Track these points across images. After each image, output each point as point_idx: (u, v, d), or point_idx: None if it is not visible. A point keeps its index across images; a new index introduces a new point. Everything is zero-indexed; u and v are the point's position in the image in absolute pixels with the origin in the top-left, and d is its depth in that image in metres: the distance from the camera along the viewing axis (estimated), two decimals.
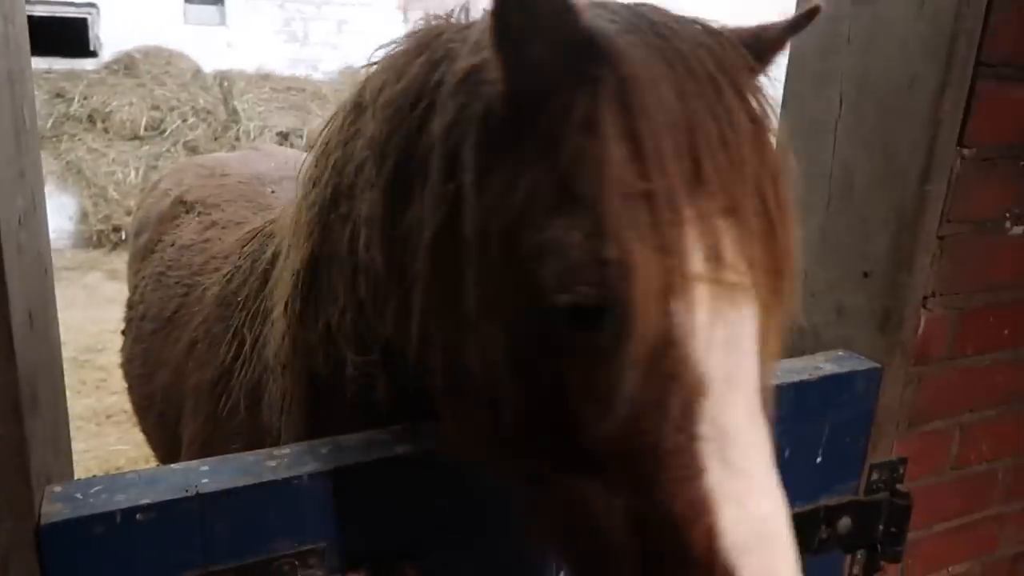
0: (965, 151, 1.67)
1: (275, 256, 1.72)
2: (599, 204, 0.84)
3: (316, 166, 1.37)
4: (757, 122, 0.93)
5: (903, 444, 1.84)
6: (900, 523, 1.82)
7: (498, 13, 0.88)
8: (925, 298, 1.75)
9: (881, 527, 1.82)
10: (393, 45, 1.23)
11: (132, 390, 2.45)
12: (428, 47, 1.12)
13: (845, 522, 1.78)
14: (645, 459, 0.86)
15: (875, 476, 1.80)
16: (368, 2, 15.96)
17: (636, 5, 1.00)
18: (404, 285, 1.08)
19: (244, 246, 2.01)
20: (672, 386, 0.85)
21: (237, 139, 11.97)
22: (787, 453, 1.64)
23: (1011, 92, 1.68)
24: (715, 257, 0.86)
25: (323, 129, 1.39)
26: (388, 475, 1.23)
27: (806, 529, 1.72)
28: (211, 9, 14.67)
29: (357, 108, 1.27)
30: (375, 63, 1.26)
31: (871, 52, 1.68)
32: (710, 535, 0.83)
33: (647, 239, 0.83)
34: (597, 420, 0.87)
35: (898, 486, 1.83)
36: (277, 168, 2.59)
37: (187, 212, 2.45)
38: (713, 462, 0.85)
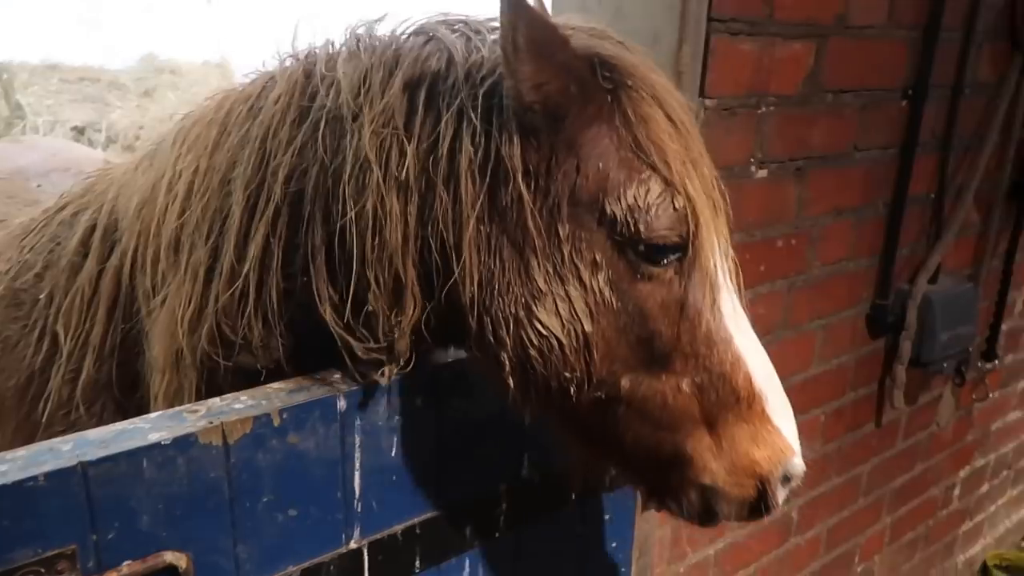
0: (707, 101, 1.80)
1: (85, 247, 1.64)
2: (667, 170, 1.17)
3: (239, 169, 1.34)
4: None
5: None
6: None
7: (530, 48, 1.11)
8: None
9: None
10: (333, 47, 1.35)
11: None
12: (397, 64, 1.26)
13: None
14: (699, 342, 1.22)
15: None
16: None
17: (591, 28, 1.29)
18: (440, 278, 1.24)
19: (23, 240, 1.85)
20: (709, 287, 1.23)
21: (24, 136, 10.87)
22: None
23: (741, 45, 1.83)
24: (722, 198, 1.27)
25: (242, 133, 1.36)
26: (144, 464, 1.17)
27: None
28: None
29: (302, 113, 1.30)
30: (311, 67, 1.34)
31: (620, 11, 1.77)
32: (748, 377, 1.24)
33: (699, 188, 1.20)
34: (670, 326, 1.21)
35: None
36: (42, 161, 2.37)
37: None
38: (735, 331, 1.25)
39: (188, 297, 1.38)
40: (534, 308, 1.20)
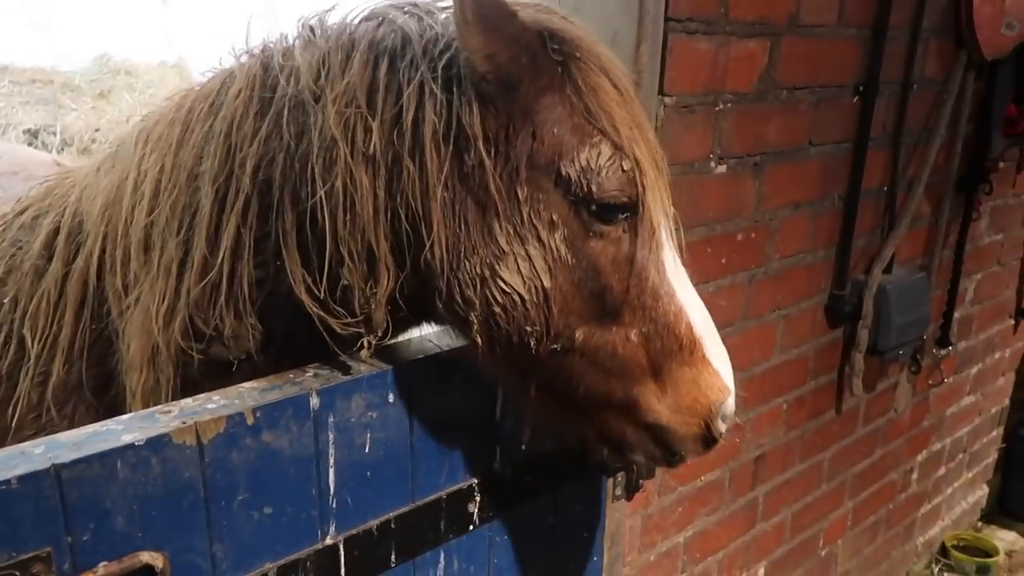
0: (666, 99, 1.85)
1: (49, 250, 1.64)
2: (616, 135, 1.26)
3: (206, 164, 1.36)
4: None
5: None
6: None
7: (479, 21, 1.18)
8: None
9: None
10: (287, 39, 1.39)
11: None
12: (354, 47, 1.30)
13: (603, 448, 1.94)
14: (645, 295, 1.31)
15: None
16: None
17: (536, 5, 1.35)
18: (411, 247, 1.30)
19: None
20: (654, 244, 1.32)
21: None
22: None
23: (698, 44, 1.88)
24: (663, 160, 1.36)
25: (205, 129, 1.38)
26: (118, 465, 1.17)
27: (568, 460, 1.85)
28: None
29: (264, 104, 1.33)
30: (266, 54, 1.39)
31: (578, 12, 1.80)
32: (689, 326, 1.34)
33: (645, 152, 1.29)
34: (620, 281, 1.29)
35: None
36: None
37: None
38: (676, 284, 1.34)
39: (162, 293, 1.40)
40: (497, 268, 1.28)
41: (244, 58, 1.42)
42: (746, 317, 2.36)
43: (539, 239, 1.28)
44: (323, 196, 1.28)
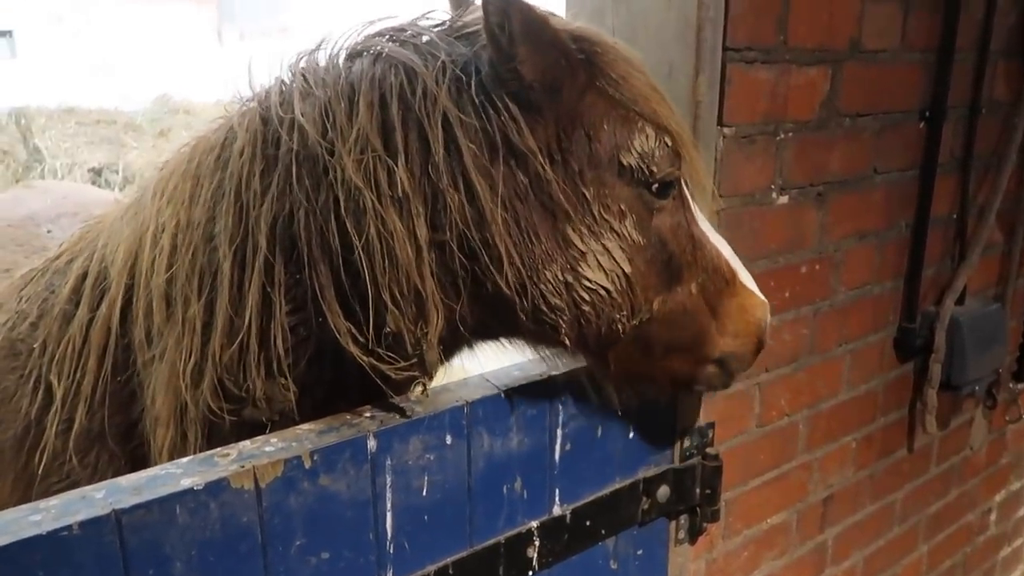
0: (725, 130, 1.80)
1: (77, 295, 1.63)
2: (655, 116, 1.34)
3: (220, 224, 1.35)
4: None
5: (709, 409, 1.96)
6: (713, 484, 1.93)
7: (525, 30, 1.22)
8: None
9: (698, 490, 1.93)
10: (285, 86, 1.37)
11: None
12: (355, 91, 1.28)
13: (664, 490, 1.87)
14: (696, 250, 1.42)
15: (687, 443, 1.91)
16: (179, 24, 15.23)
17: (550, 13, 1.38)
18: (468, 275, 1.31)
19: (22, 290, 1.85)
20: (688, 203, 1.43)
21: (43, 179, 11.05)
22: (600, 431, 1.70)
23: (757, 73, 1.83)
24: (679, 117, 1.43)
25: (214, 185, 1.37)
26: (177, 510, 1.16)
27: (629, 503, 1.80)
28: None
29: (269, 161, 1.32)
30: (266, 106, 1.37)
31: (633, 43, 1.76)
32: (726, 262, 1.47)
33: (674, 122, 1.37)
34: (679, 245, 1.40)
35: (709, 449, 1.95)
36: (54, 205, 2.37)
37: None
38: (706, 230, 1.46)
39: (188, 351, 1.38)
40: (580, 269, 1.32)
41: (247, 105, 1.40)
42: (811, 352, 2.27)
43: (613, 230, 1.33)
44: (360, 247, 1.25)
